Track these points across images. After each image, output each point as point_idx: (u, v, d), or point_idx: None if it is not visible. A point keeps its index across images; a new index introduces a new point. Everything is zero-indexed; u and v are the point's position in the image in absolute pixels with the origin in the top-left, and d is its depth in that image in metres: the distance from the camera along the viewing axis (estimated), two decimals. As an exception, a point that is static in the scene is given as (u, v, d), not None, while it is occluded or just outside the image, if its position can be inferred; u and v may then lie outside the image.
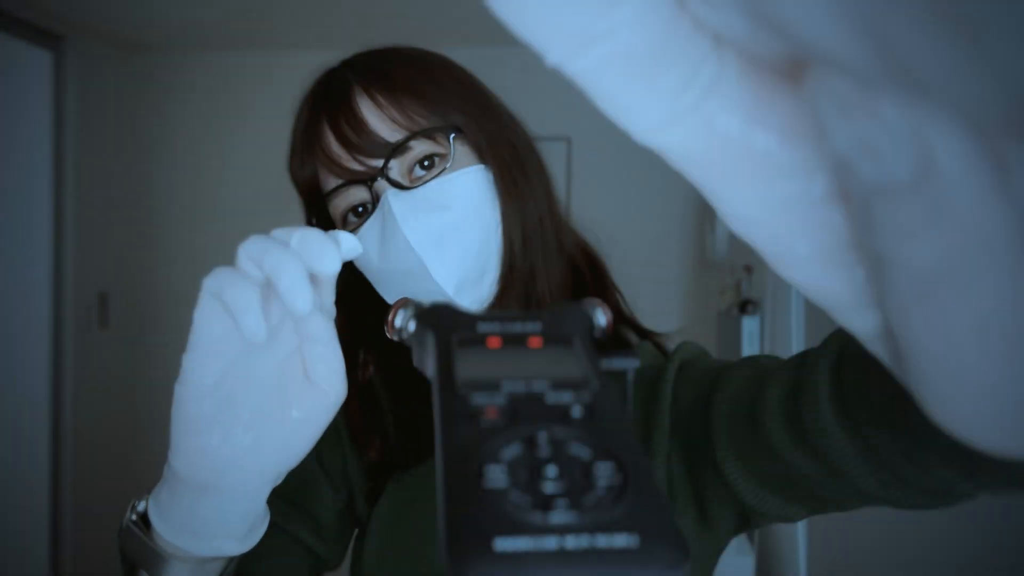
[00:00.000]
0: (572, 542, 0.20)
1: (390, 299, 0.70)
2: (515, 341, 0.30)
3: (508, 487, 0.22)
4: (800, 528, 1.68)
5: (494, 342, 0.30)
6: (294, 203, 0.79)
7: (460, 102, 0.69)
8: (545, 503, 0.21)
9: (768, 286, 1.97)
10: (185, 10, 2.93)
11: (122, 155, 3.39)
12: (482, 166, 0.68)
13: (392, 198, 0.65)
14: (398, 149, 0.66)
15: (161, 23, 3.09)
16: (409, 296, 0.68)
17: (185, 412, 0.46)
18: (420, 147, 0.66)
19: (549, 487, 0.22)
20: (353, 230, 0.69)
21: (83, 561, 3.06)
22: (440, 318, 0.31)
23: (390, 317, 0.33)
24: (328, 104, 0.68)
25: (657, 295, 3.28)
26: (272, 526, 0.69)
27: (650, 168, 3.30)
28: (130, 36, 3.25)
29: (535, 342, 0.30)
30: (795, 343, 1.74)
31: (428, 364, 0.31)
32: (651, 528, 0.21)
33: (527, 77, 3.31)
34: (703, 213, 3.04)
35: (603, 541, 0.20)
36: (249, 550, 0.52)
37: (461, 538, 0.20)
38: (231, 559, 0.52)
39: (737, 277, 2.44)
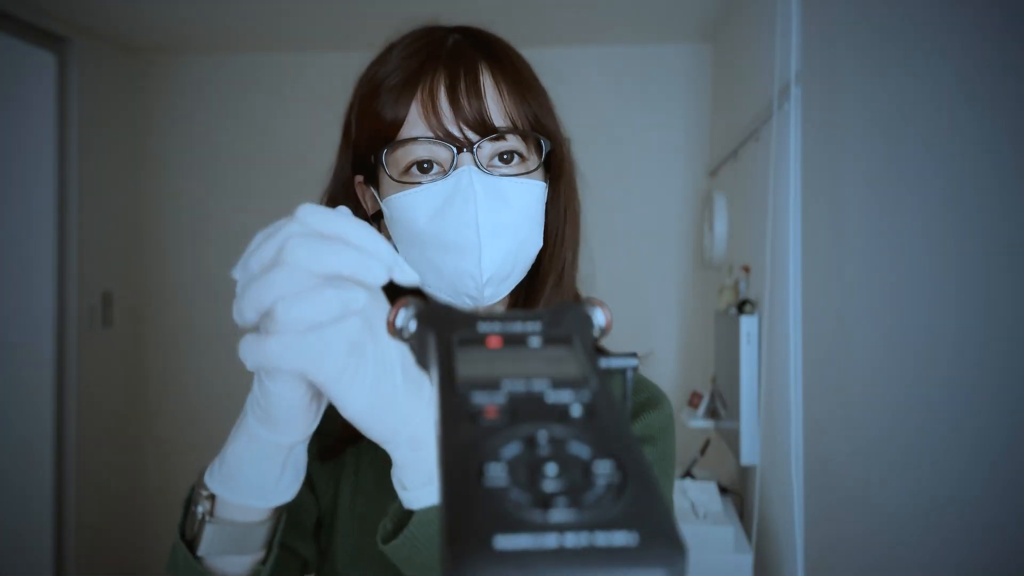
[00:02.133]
0: (572, 540, 0.20)
1: (413, 260, 0.71)
2: (515, 341, 0.30)
3: (508, 485, 0.22)
4: (798, 527, 1.68)
5: (494, 342, 0.30)
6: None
7: (552, 120, 0.74)
8: (545, 501, 0.21)
9: (767, 286, 1.97)
10: (187, 13, 2.93)
11: (125, 156, 3.39)
12: (544, 184, 0.73)
13: (476, 176, 0.67)
14: (497, 136, 0.68)
15: (164, 26, 3.09)
16: (429, 267, 0.69)
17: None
18: (512, 142, 0.70)
19: (549, 485, 0.22)
20: (410, 184, 0.69)
21: (86, 558, 3.06)
22: (441, 318, 0.31)
23: (391, 317, 0.33)
24: (450, 61, 0.69)
25: (656, 295, 3.28)
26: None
27: (650, 169, 3.30)
28: (133, 38, 3.26)
29: (535, 342, 0.30)
30: (793, 343, 1.74)
31: (429, 363, 0.31)
32: (650, 526, 0.21)
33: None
34: (702, 213, 3.05)
35: (602, 539, 0.20)
36: None
37: (461, 536, 0.20)
38: (272, 531, 0.56)
39: (736, 277, 2.44)
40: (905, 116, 1.23)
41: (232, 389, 0.81)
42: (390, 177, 0.69)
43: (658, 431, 0.75)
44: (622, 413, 0.26)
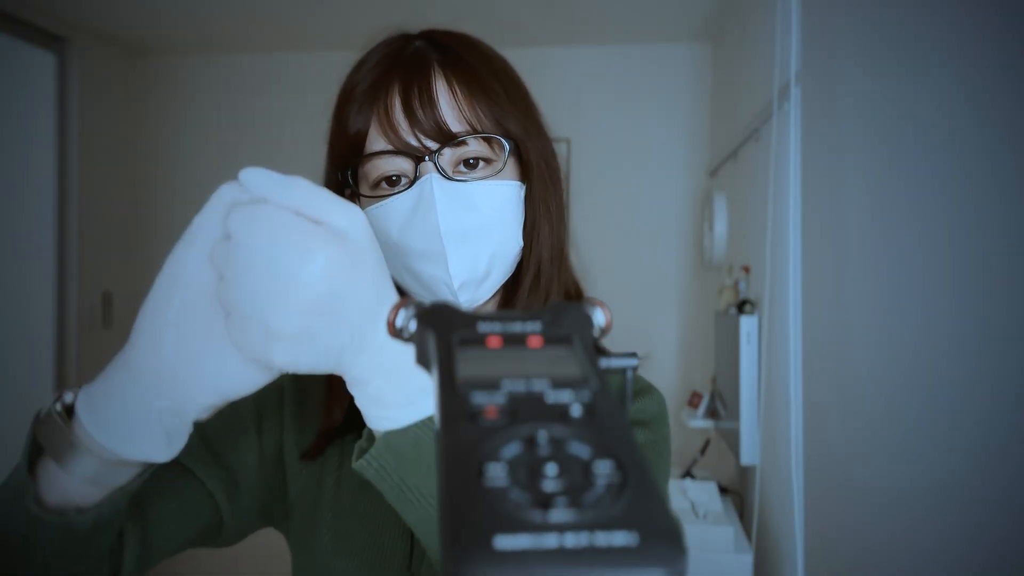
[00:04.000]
0: (572, 540, 0.20)
1: (394, 272, 0.71)
2: (515, 341, 0.30)
3: (508, 485, 0.22)
4: (798, 527, 1.68)
5: (494, 342, 0.30)
6: None
7: (522, 117, 0.73)
8: (545, 501, 0.21)
9: (766, 286, 1.97)
10: (187, 13, 2.93)
11: (125, 156, 3.39)
12: (519, 183, 0.72)
13: (436, 183, 0.67)
14: (457, 141, 0.68)
15: (163, 26, 3.09)
16: (408, 275, 0.69)
17: (168, 304, 0.45)
18: (474, 146, 0.69)
19: (549, 485, 0.22)
20: (379, 197, 0.69)
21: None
22: (441, 318, 0.31)
23: (391, 317, 0.33)
24: (404, 71, 0.69)
25: (656, 295, 3.28)
26: (185, 470, 0.68)
27: (649, 169, 3.30)
28: (133, 39, 3.26)
29: (535, 342, 0.30)
30: (793, 343, 1.74)
31: (429, 364, 0.31)
32: (650, 526, 0.21)
33: (528, 79, 3.31)
34: (702, 213, 3.05)
35: (602, 539, 0.20)
36: (153, 486, 0.53)
37: (461, 536, 0.20)
38: (137, 476, 0.52)
39: (735, 277, 2.44)
40: (905, 116, 1.23)
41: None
42: (360, 194, 0.70)
43: (652, 416, 0.76)
44: (622, 413, 0.26)
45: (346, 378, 0.48)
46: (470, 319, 0.31)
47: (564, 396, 0.26)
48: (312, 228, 0.43)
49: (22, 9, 2.75)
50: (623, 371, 0.33)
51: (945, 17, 1.11)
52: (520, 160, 0.73)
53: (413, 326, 0.32)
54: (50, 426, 0.50)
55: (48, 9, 2.85)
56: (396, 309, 0.33)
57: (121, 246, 3.37)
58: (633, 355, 0.33)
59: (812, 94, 1.71)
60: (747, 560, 1.99)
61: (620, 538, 0.20)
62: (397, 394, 0.49)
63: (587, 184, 3.22)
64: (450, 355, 0.29)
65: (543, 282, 0.75)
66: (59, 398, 0.51)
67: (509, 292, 0.76)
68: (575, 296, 0.81)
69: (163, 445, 0.48)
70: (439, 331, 0.30)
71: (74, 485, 0.50)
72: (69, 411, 0.50)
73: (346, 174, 0.70)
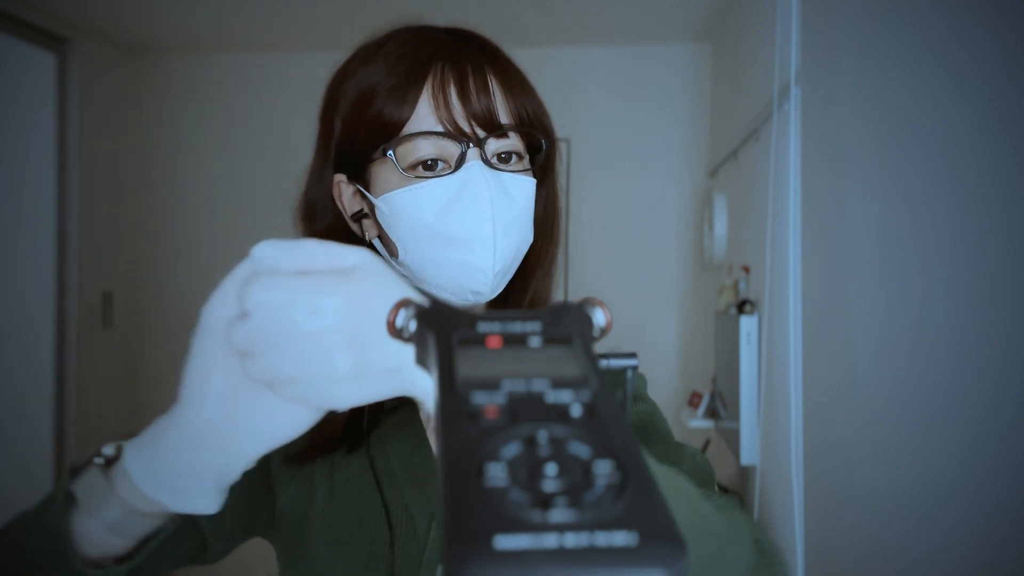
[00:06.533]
0: (572, 540, 0.20)
1: (410, 255, 0.70)
2: (515, 341, 0.30)
3: (508, 485, 0.22)
4: (798, 526, 1.68)
5: (494, 342, 0.30)
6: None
7: (548, 122, 0.75)
8: (545, 501, 0.21)
9: (766, 286, 1.97)
10: (187, 13, 2.93)
11: (125, 156, 3.39)
12: (535, 180, 0.73)
13: (485, 170, 0.68)
14: (502, 132, 0.69)
15: (164, 26, 3.09)
16: (431, 264, 0.69)
17: (211, 364, 0.45)
18: (514, 141, 0.71)
19: (549, 485, 0.22)
20: (415, 178, 0.68)
21: (83, 560, 3.06)
22: (441, 318, 0.31)
23: (390, 316, 0.33)
24: (454, 58, 0.69)
25: (656, 295, 3.28)
26: None
27: (649, 169, 3.30)
28: (133, 38, 3.25)
29: (535, 342, 0.30)
30: (793, 343, 1.74)
31: (429, 364, 0.31)
32: (650, 526, 0.21)
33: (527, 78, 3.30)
34: (702, 213, 3.04)
35: (602, 539, 0.20)
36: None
37: (461, 536, 0.20)
38: (170, 522, 0.52)
39: (735, 277, 2.44)
40: (904, 116, 1.23)
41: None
42: (400, 170, 0.68)
43: (641, 392, 0.79)
44: (622, 413, 0.26)
45: (414, 396, 0.46)
46: (470, 319, 0.31)
47: (564, 396, 0.26)
48: (316, 279, 0.42)
49: (22, 9, 2.75)
50: (623, 371, 0.33)
51: (945, 17, 1.11)
52: (537, 160, 0.75)
53: (413, 326, 0.32)
54: (92, 482, 0.51)
55: (48, 9, 2.84)
56: (396, 309, 0.33)
57: (121, 246, 3.37)
58: (633, 355, 0.33)
59: (812, 94, 1.71)
60: (747, 560, 1.99)
61: (620, 538, 0.20)
62: None
63: (587, 184, 3.22)
64: (450, 355, 0.29)
65: (549, 280, 0.78)
66: (99, 451, 0.52)
67: (512, 288, 0.76)
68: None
69: (213, 498, 0.48)
70: (439, 331, 0.30)
71: (100, 534, 0.51)
72: (107, 462, 0.52)
73: (386, 151, 0.68)
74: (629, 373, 0.33)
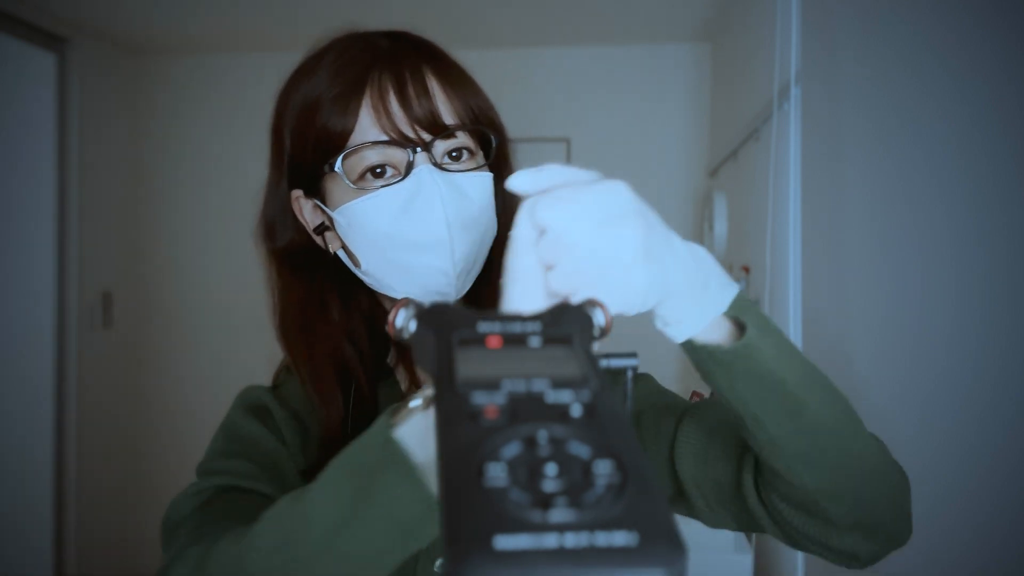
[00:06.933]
0: (572, 540, 0.20)
1: (372, 264, 0.71)
2: (515, 341, 0.30)
3: (508, 485, 0.22)
4: (800, 528, 1.68)
5: (494, 342, 0.30)
6: (254, 219, 0.78)
7: (495, 116, 0.75)
8: (545, 501, 0.21)
9: (767, 286, 1.97)
10: (187, 13, 2.93)
11: (125, 155, 3.39)
12: (491, 174, 0.73)
13: (434, 173, 0.68)
14: (448, 133, 0.69)
15: (164, 26, 3.09)
16: (395, 268, 0.68)
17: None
18: (462, 139, 0.71)
19: (549, 485, 0.22)
20: (366, 188, 0.68)
21: (86, 558, 3.06)
22: (441, 318, 0.31)
23: (391, 317, 0.33)
24: (391, 64, 0.69)
25: (657, 295, 3.28)
26: (258, 495, 0.66)
27: (649, 169, 3.30)
28: (133, 38, 3.25)
29: (535, 342, 0.30)
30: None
31: (429, 363, 0.31)
32: (650, 526, 0.21)
33: (527, 79, 3.30)
34: (702, 213, 3.04)
35: (602, 539, 0.20)
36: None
37: (461, 536, 0.20)
38: None
39: (736, 277, 2.44)
40: (904, 116, 1.23)
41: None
42: (348, 184, 0.69)
43: (652, 387, 0.80)
44: (623, 413, 0.26)
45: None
46: (470, 319, 0.31)
47: (564, 396, 0.26)
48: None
49: (22, 9, 2.75)
50: (624, 371, 0.33)
51: (945, 17, 1.11)
52: (491, 155, 0.74)
53: (413, 326, 0.32)
54: (413, 425, 0.47)
55: (48, 9, 2.84)
56: (396, 309, 0.33)
57: (121, 246, 3.37)
58: (633, 355, 0.33)
59: (812, 94, 1.71)
60: (747, 560, 1.99)
61: (620, 538, 0.20)
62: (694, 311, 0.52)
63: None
64: (450, 355, 0.28)
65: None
66: (412, 398, 0.48)
67: (479, 284, 0.76)
68: None
69: None
70: (439, 331, 0.30)
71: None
72: None
73: (333, 165, 0.69)
74: (629, 373, 0.33)
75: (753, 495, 0.65)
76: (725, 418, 0.68)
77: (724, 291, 0.52)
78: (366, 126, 0.68)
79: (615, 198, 0.45)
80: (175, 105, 3.49)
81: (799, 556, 1.69)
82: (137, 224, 3.46)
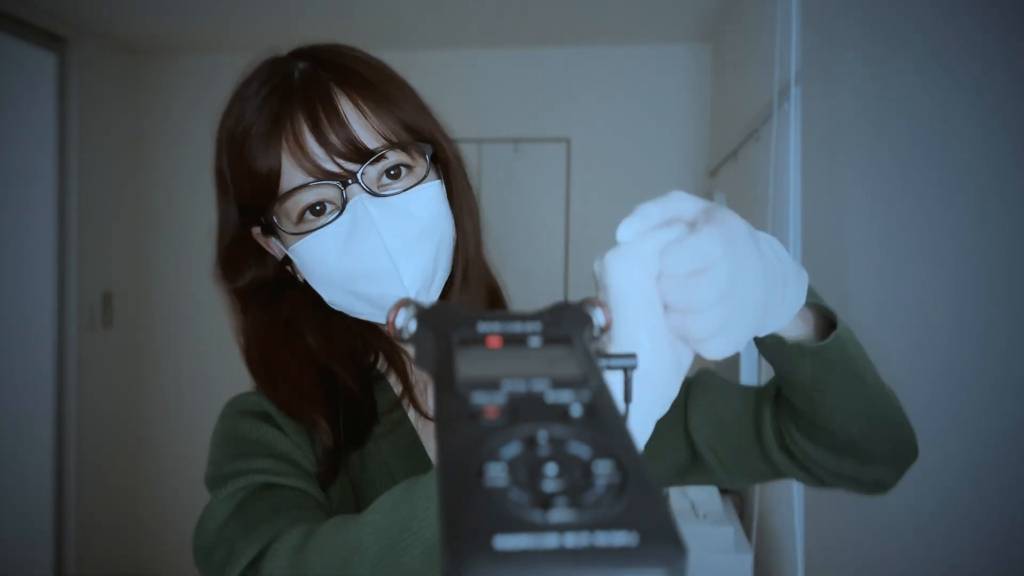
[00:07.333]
0: (572, 540, 0.20)
1: (335, 298, 0.71)
2: (515, 341, 0.30)
3: (508, 485, 0.22)
4: (798, 526, 1.68)
5: (494, 342, 0.30)
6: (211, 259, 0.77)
7: (427, 119, 0.73)
8: (545, 501, 0.21)
9: (768, 286, 1.97)
10: (187, 13, 2.93)
11: (125, 156, 3.39)
12: (439, 181, 0.72)
13: (369, 203, 0.67)
14: (375, 157, 0.67)
15: (164, 26, 3.09)
16: (355, 299, 0.68)
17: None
18: (393, 157, 0.69)
19: (549, 485, 0.22)
20: (310, 229, 0.68)
21: (86, 558, 3.06)
22: (441, 318, 0.31)
23: (391, 317, 0.33)
24: (303, 97, 0.67)
25: (657, 295, 3.28)
26: (290, 488, 0.66)
27: (649, 169, 3.30)
28: (133, 39, 3.25)
29: (535, 341, 0.30)
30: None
31: (429, 363, 0.31)
32: (650, 526, 0.21)
33: (527, 79, 3.30)
34: (703, 213, 3.04)
35: (602, 539, 0.20)
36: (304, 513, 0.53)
37: (461, 536, 0.20)
38: None
39: (737, 277, 2.44)
40: (904, 116, 1.23)
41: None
42: (285, 232, 0.69)
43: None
44: (622, 413, 0.26)
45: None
46: (470, 319, 0.31)
47: (564, 396, 0.26)
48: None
49: (22, 9, 2.75)
50: (623, 371, 0.33)
51: (945, 17, 1.11)
52: (436, 160, 0.73)
53: (413, 326, 0.32)
54: None
55: (48, 9, 2.85)
56: (396, 309, 0.33)
57: (121, 246, 3.37)
58: (633, 355, 0.33)
59: (812, 94, 1.71)
60: (747, 560, 1.99)
61: (620, 538, 0.20)
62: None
63: (587, 184, 3.22)
64: (450, 355, 0.28)
65: (473, 274, 0.76)
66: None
67: (445, 286, 0.76)
68: (496, 285, 0.82)
69: None
70: (439, 331, 0.30)
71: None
72: None
73: (268, 216, 0.69)
74: (629, 373, 0.33)
75: (774, 445, 0.68)
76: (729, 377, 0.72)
77: (801, 281, 0.50)
78: (289, 170, 0.67)
79: (736, 231, 0.45)
80: (175, 105, 3.49)
81: (799, 556, 1.69)
82: (137, 224, 3.46)
